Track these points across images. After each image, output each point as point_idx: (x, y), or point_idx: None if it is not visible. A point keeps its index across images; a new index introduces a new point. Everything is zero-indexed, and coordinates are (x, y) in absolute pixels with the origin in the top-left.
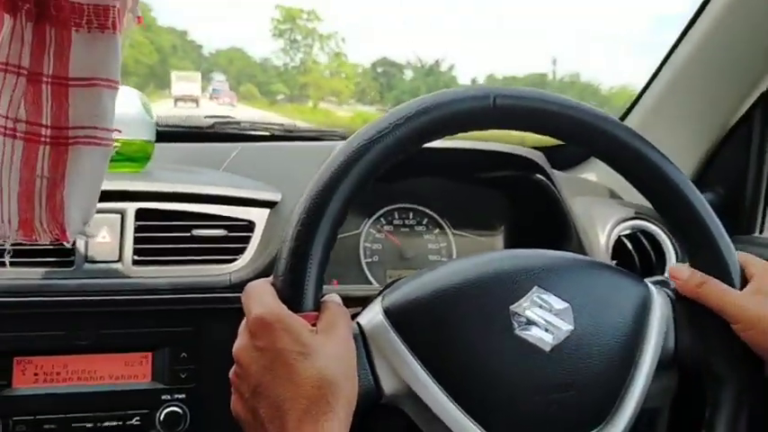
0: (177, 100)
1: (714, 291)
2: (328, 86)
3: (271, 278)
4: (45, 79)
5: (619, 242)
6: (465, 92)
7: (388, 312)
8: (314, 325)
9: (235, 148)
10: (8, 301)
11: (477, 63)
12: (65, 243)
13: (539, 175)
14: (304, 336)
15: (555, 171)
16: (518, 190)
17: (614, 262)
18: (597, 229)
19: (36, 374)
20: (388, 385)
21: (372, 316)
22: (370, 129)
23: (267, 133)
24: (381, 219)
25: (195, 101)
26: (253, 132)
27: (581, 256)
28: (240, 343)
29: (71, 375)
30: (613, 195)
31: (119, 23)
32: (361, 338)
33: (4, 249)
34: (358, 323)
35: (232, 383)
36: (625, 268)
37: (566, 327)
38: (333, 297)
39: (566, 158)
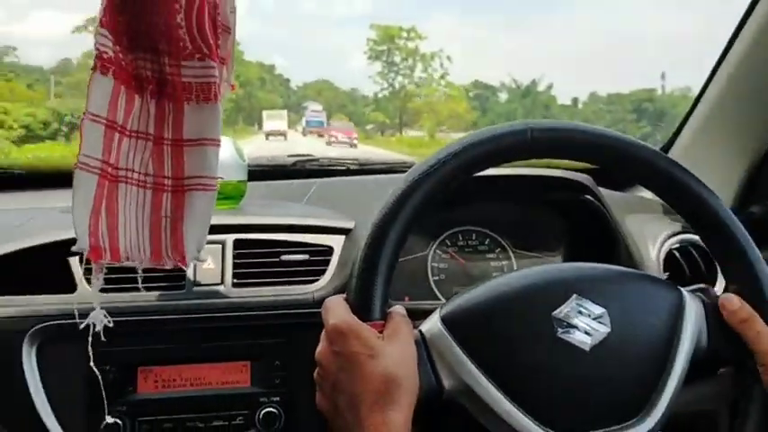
0: (268, 135)
1: (753, 330)
2: (445, 111)
3: (344, 294)
4: (166, 142)
5: (670, 256)
6: (505, 127)
7: (445, 320)
8: (381, 332)
9: (314, 183)
10: (133, 320)
11: (578, 81)
12: (184, 267)
13: (588, 197)
14: (371, 341)
15: (606, 191)
16: (571, 211)
17: (666, 275)
18: (648, 244)
19: (156, 381)
20: (448, 383)
21: (432, 324)
22: (423, 164)
23: (343, 168)
24: (447, 241)
25: (283, 134)
26: (331, 168)
27: (616, 267)
28: (320, 348)
29: (185, 382)
30: (667, 211)
31: (219, 94)
32: (423, 343)
33: (138, 276)
34: (420, 330)
35: (316, 382)
36: (677, 280)
37: (603, 329)
38: (397, 309)
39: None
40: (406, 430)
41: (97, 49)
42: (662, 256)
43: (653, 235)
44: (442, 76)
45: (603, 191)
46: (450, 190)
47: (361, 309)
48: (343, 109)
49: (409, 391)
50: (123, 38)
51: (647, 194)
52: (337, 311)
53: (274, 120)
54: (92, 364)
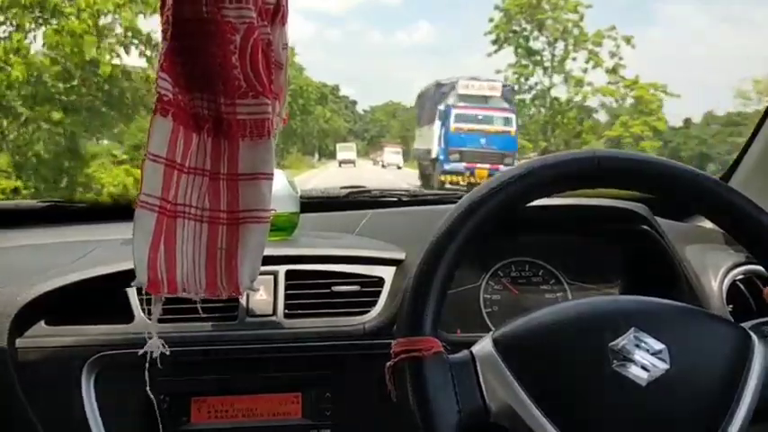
0: (341, 163)
1: None
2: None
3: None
4: (222, 177)
5: (734, 288)
6: (570, 154)
7: (497, 342)
8: (434, 351)
9: (367, 215)
10: (187, 350)
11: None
12: (239, 296)
13: (644, 227)
14: None
15: (664, 221)
16: (627, 241)
17: (730, 307)
18: (710, 275)
19: (209, 412)
20: (495, 405)
21: (483, 345)
22: (483, 187)
23: (395, 199)
24: (499, 272)
25: (353, 162)
26: (383, 199)
27: (679, 303)
28: None
29: (237, 413)
30: (729, 241)
31: (272, 130)
32: (473, 364)
33: (196, 306)
34: (471, 351)
35: None
36: (741, 313)
37: (662, 365)
38: None
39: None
40: None
41: (158, 92)
42: (725, 287)
43: (715, 266)
44: (614, 70)
45: (661, 221)
46: (510, 214)
47: (411, 324)
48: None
49: None
50: (181, 79)
51: (708, 224)
52: None
53: (346, 151)
54: (148, 389)
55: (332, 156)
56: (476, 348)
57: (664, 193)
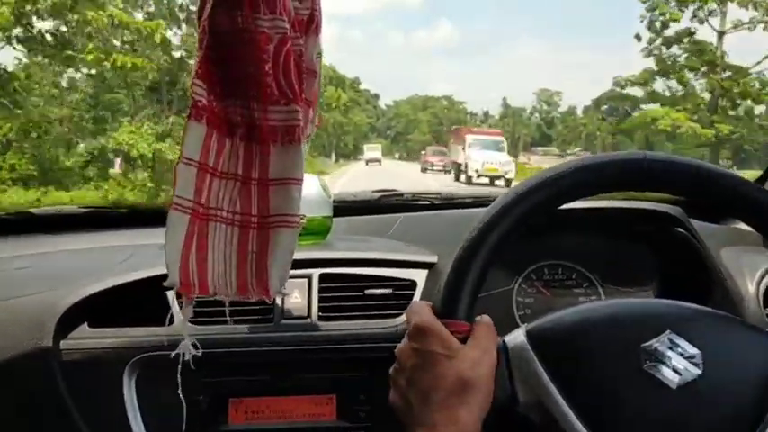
0: (368, 162)
1: None
2: None
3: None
4: (253, 182)
5: None
6: (621, 155)
7: (530, 334)
8: (462, 333)
9: (399, 218)
10: (224, 352)
11: None
12: (268, 300)
13: (679, 229)
14: (450, 342)
15: (699, 223)
16: (662, 244)
17: (767, 311)
18: (746, 278)
19: (246, 413)
20: (523, 396)
21: (516, 335)
22: (527, 182)
23: (427, 202)
24: (532, 275)
25: (378, 161)
26: (415, 202)
27: (716, 310)
28: (401, 345)
29: (273, 414)
30: (767, 244)
31: (302, 136)
32: (505, 354)
33: (233, 309)
34: (503, 340)
35: (391, 378)
36: None
37: (694, 370)
38: (485, 317)
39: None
40: (474, 430)
41: (192, 98)
42: (761, 290)
43: (751, 268)
44: None
45: (696, 223)
46: (551, 212)
47: (446, 310)
48: (459, 124)
49: (482, 395)
50: (216, 86)
51: (745, 226)
52: (422, 312)
53: (372, 151)
54: (179, 392)
55: (352, 156)
56: (508, 338)
57: (700, 196)
